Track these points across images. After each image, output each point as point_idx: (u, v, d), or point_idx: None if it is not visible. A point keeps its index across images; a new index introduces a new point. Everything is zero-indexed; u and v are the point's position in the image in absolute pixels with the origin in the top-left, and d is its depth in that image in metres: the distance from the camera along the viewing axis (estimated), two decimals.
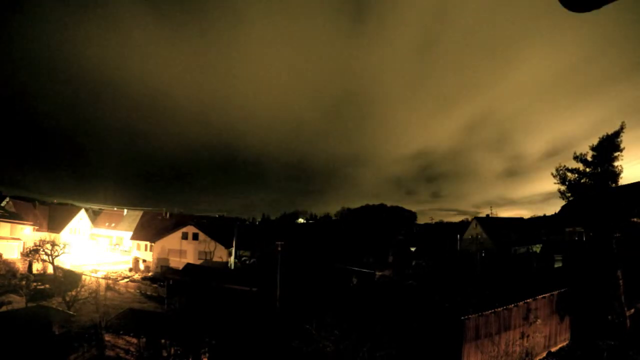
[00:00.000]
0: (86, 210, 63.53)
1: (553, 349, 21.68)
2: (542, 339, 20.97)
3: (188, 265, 38.67)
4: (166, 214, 58.01)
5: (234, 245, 50.54)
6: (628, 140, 22.17)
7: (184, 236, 47.18)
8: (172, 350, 17.03)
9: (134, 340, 17.99)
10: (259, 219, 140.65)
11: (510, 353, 18.88)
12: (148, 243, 50.35)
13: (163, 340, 17.45)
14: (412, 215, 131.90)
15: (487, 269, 38.84)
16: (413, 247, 68.41)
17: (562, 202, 29.97)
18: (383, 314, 20.16)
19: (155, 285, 36.24)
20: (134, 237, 53.02)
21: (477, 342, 17.58)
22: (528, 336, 19.99)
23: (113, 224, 70.71)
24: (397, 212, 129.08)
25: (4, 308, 23.77)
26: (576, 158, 23.40)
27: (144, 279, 41.49)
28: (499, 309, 18.66)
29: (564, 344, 22.47)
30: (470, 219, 74.89)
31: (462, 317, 17.01)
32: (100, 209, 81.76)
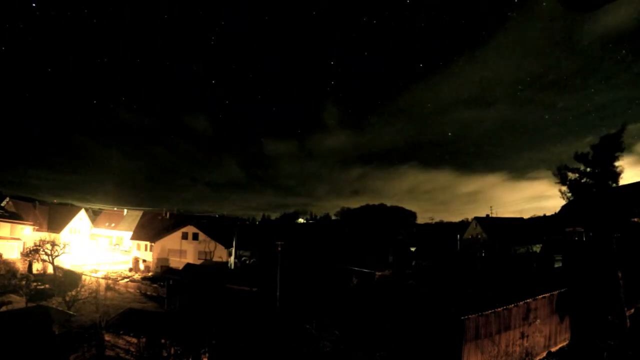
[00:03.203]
0: (86, 210, 63.51)
1: (553, 349, 21.68)
2: (542, 338, 20.97)
3: (188, 265, 38.66)
4: (166, 214, 57.98)
5: (234, 245, 50.54)
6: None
7: (184, 236, 47.18)
8: (172, 350, 17.03)
9: (134, 340, 17.98)
10: (259, 219, 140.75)
11: (510, 353, 18.88)
12: (148, 243, 50.35)
13: (163, 340, 17.44)
14: (412, 215, 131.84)
15: (487, 269, 38.80)
16: (413, 247, 68.40)
17: (562, 202, 29.97)
18: (383, 314, 20.15)
19: (155, 285, 36.24)
20: (134, 237, 53.01)
21: (477, 342, 17.58)
22: (528, 336, 20.00)
23: (113, 224, 70.70)
24: (397, 212, 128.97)
25: (4, 308, 23.79)
26: (577, 157, 23.41)
27: (144, 279, 41.50)
28: (499, 309, 18.65)
29: (564, 344, 22.47)
30: (470, 219, 74.91)
31: (462, 317, 17.01)
32: (100, 209, 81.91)
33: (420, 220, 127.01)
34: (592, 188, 22.93)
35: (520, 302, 19.82)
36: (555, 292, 22.07)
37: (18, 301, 26.93)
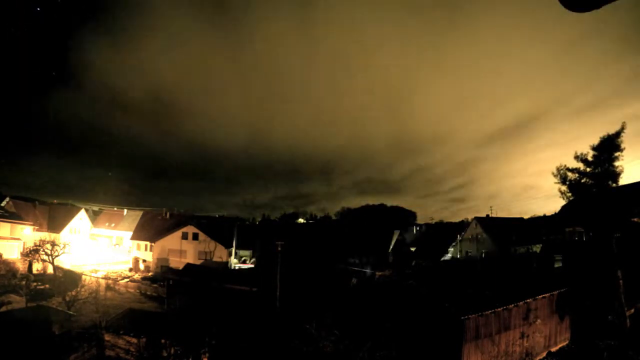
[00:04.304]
0: (86, 210, 63.57)
1: (553, 349, 21.68)
2: (542, 339, 20.97)
3: (188, 265, 38.67)
4: (166, 214, 58.00)
5: (234, 245, 50.56)
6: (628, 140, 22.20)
7: (184, 236, 47.19)
8: (172, 350, 17.02)
9: (134, 340, 17.99)
10: (259, 219, 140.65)
11: (510, 353, 18.88)
12: (148, 243, 50.36)
13: (163, 340, 17.44)
14: (412, 215, 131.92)
15: (487, 269, 38.80)
16: (413, 247, 68.47)
17: (562, 202, 29.98)
18: (383, 314, 20.15)
19: (155, 285, 36.25)
20: (134, 237, 53.03)
21: (477, 342, 17.58)
22: (528, 336, 19.99)
23: (113, 224, 70.65)
24: (397, 212, 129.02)
25: (4, 308, 23.79)
26: (577, 158, 23.40)
27: (144, 279, 41.50)
28: (499, 309, 18.65)
29: (564, 344, 22.47)
30: (470, 219, 74.86)
31: (462, 317, 17.01)
32: (100, 209, 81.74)
33: (420, 220, 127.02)
34: (592, 188, 22.92)
35: (520, 302, 19.82)
36: (555, 292, 22.07)
37: (18, 301, 26.91)
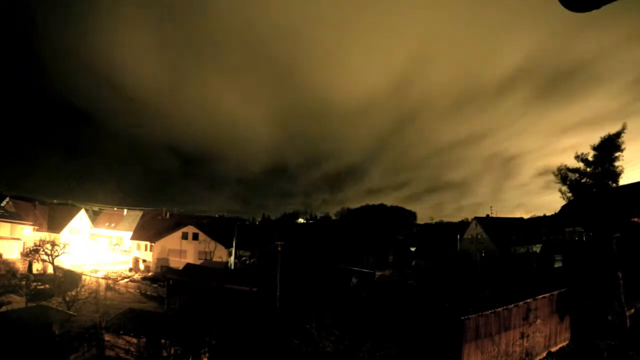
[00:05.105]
0: (86, 210, 63.51)
1: (553, 349, 21.69)
2: (542, 339, 20.97)
3: (188, 265, 38.66)
4: (166, 214, 57.99)
5: (234, 245, 50.54)
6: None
7: (184, 236, 47.17)
8: (172, 350, 17.02)
9: (134, 340, 17.98)
10: (259, 219, 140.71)
11: (510, 353, 18.88)
12: (148, 243, 50.34)
13: (163, 340, 17.44)
14: (412, 215, 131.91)
15: (487, 269, 38.82)
16: (413, 247, 68.53)
17: (563, 202, 29.99)
18: (383, 314, 20.15)
19: (155, 285, 36.22)
20: (134, 237, 53.00)
21: (477, 342, 17.58)
22: (528, 336, 20.00)
23: (113, 224, 70.68)
24: (397, 212, 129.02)
25: (4, 308, 23.78)
26: (577, 158, 23.40)
27: (144, 279, 41.49)
28: (499, 309, 18.66)
29: (564, 344, 22.48)
30: (470, 219, 74.88)
31: (462, 317, 17.01)
32: (100, 209, 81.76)
33: (420, 220, 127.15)
34: (592, 188, 22.92)
35: (520, 302, 19.83)
36: (555, 292, 22.08)
37: (18, 301, 26.90)
